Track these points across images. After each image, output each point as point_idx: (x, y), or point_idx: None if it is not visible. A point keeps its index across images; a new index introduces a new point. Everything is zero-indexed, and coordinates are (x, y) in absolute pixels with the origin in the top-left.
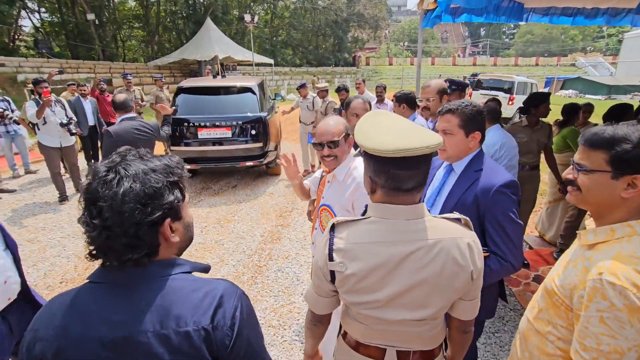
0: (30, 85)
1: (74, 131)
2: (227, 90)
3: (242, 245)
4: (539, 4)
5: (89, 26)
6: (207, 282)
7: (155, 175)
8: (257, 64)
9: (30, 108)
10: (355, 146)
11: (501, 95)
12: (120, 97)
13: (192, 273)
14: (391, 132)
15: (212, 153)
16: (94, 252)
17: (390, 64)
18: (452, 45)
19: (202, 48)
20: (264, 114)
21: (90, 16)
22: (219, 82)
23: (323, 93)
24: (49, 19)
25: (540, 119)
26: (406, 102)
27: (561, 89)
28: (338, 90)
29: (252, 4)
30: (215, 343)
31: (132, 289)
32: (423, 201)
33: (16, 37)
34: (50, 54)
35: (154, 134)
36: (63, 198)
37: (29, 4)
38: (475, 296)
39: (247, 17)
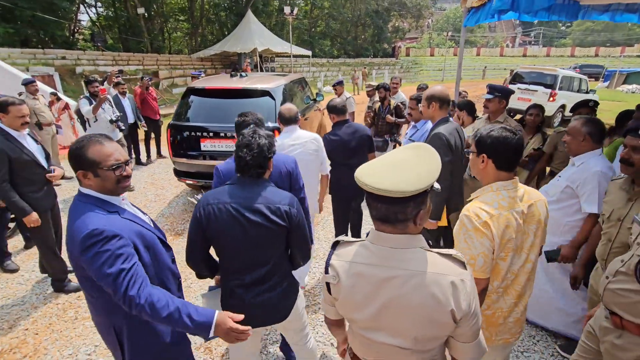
0: (89, 77)
1: (122, 127)
2: (242, 94)
3: None
4: (597, 0)
5: (139, 20)
6: (283, 192)
7: (268, 139)
8: (295, 56)
9: (84, 105)
10: None
11: (541, 91)
12: None
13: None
14: (385, 168)
15: None
16: (240, 168)
17: (432, 55)
18: (501, 35)
19: (242, 40)
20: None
21: (141, 10)
22: (234, 83)
23: (372, 92)
24: (104, 13)
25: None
26: (467, 109)
27: (623, 83)
28: (377, 88)
29: None
30: (288, 215)
31: (252, 187)
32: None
33: (75, 31)
34: (104, 47)
35: None
36: None
37: (87, 0)
38: (470, 339)
39: (287, 10)
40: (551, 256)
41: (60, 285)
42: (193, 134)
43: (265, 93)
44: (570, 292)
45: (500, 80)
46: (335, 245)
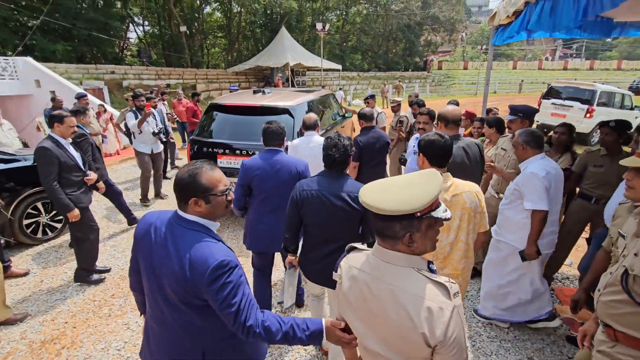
0: (135, 91)
1: (164, 139)
2: (261, 111)
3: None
4: (633, 17)
5: (181, 37)
6: (359, 183)
7: (349, 141)
8: (326, 70)
9: (131, 119)
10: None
11: (577, 107)
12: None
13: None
14: (387, 186)
15: (232, 185)
16: (329, 164)
17: (465, 68)
18: (540, 48)
19: (275, 55)
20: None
21: (183, 28)
22: (254, 100)
23: (397, 107)
24: (150, 31)
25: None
26: (497, 127)
27: None
28: (412, 104)
29: (325, 11)
30: (353, 201)
31: (336, 179)
32: None
33: (124, 47)
34: (149, 62)
35: None
36: (145, 200)
37: (136, 19)
38: None
39: (319, 26)
40: (522, 256)
41: (84, 276)
42: (211, 149)
43: (284, 111)
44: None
45: (537, 95)
46: (350, 249)
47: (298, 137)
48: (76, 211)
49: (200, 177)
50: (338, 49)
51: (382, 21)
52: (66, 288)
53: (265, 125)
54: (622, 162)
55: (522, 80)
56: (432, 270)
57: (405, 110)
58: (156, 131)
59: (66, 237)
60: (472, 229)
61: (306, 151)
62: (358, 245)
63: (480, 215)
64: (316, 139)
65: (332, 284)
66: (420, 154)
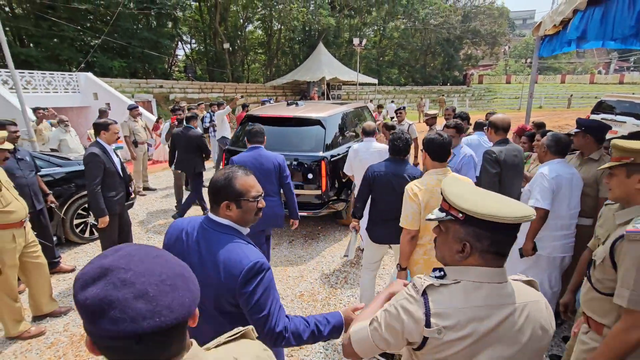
0: (182, 104)
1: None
2: (294, 122)
3: (322, 264)
4: None
5: (224, 53)
6: (417, 168)
7: (408, 135)
8: (361, 84)
9: (164, 131)
10: None
11: (630, 122)
12: None
13: None
14: (490, 199)
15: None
16: (395, 152)
17: (508, 82)
18: (591, 60)
19: (312, 70)
20: (327, 154)
21: (226, 45)
22: (288, 111)
23: (432, 120)
24: (196, 49)
25: None
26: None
27: None
28: (454, 117)
29: (362, 27)
30: (412, 180)
31: (400, 164)
32: None
33: (172, 63)
34: (194, 77)
35: None
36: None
37: (184, 37)
38: None
39: (356, 41)
40: (520, 253)
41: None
42: None
43: (316, 122)
44: None
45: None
46: (425, 291)
47: (327, 148)
48: (107, 219)
49: (235, 181)
50: (374, 64)
51: (420, 35)
52: None
53: (249, 126)
54: (600, 168)
55: (572, 95)
56: None
57: (441, 125)
58: None
59: None
60: None
61: (366, 155)
62: (432, 280)
63: None
64: (375, 145)
65: (396, 241)
66: (423, 150)
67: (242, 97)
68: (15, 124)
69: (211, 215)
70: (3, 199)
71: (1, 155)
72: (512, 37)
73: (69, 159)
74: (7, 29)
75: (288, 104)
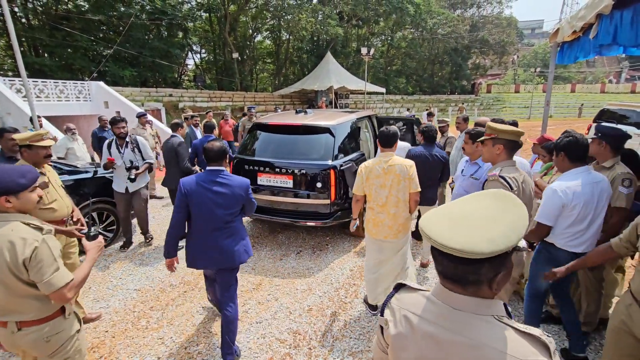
0: (188, 112)
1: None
2: (303, 130)
3: (331, 276)
4: None
5: (232, 63)
6: (439, 149)
7: (433, 127)
8: (369, 93)
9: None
10: None
11: (632, 131)
12: None
13: None
14: (458, 219)
15: (270, 203)
16: (427, 140)
17: (517, 92)
18: (602, 70)
19: (320, 79)
20: (337, 163)
21: (235, 55)
22: (296, 119)
23: (444, 127)
24: (206, 58)
25: None
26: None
27: None
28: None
29: (370, 37)
30: (441, 157)
31: (429, 146)
32: None
33: (182, 73)
34: (203, 86)
35: None
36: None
37: (194, 47)
38: None
39: (364, 51)
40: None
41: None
42: (251, 167)
43: (325, 130)
44: None
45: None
46: (398, 287)
47: (336, 156)
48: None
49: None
50: (382, 73)
51: (428, 45)
52: (110, 297)
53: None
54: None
55: (582, 104)
56: (508, 313)
57: (457, 134)
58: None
59: (116, 246)
60: (402, 188)
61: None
62: (408, 282)
63: (409, 180)
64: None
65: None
66: (378, 140)
67: (275, 108)
68: (14, 132)
69: (212, 168)
70: (48, 196)
71: (42, 153)
72: (520, 47)
73: (77, 167)
74: (23, 39)
75: (297, 112)
